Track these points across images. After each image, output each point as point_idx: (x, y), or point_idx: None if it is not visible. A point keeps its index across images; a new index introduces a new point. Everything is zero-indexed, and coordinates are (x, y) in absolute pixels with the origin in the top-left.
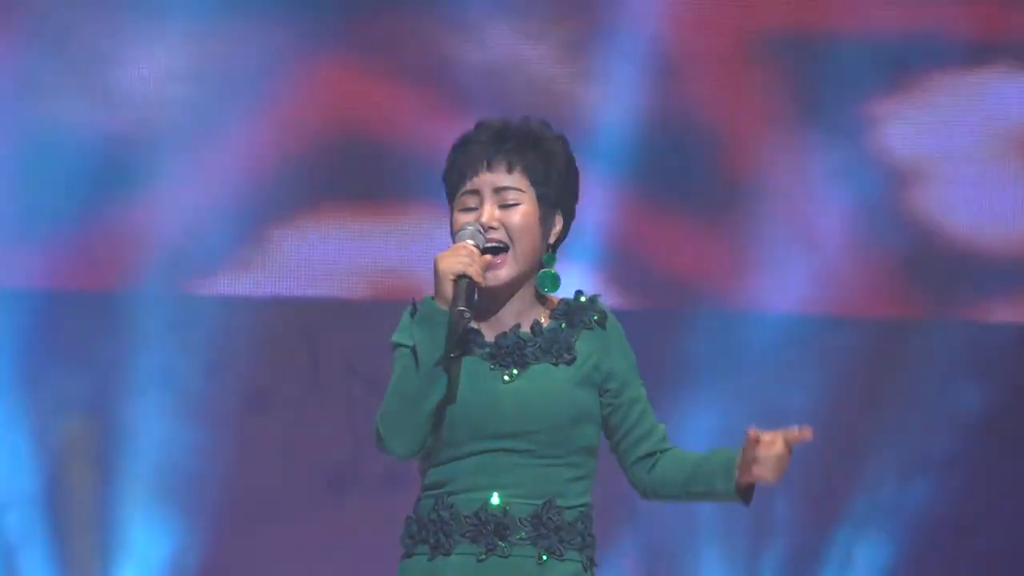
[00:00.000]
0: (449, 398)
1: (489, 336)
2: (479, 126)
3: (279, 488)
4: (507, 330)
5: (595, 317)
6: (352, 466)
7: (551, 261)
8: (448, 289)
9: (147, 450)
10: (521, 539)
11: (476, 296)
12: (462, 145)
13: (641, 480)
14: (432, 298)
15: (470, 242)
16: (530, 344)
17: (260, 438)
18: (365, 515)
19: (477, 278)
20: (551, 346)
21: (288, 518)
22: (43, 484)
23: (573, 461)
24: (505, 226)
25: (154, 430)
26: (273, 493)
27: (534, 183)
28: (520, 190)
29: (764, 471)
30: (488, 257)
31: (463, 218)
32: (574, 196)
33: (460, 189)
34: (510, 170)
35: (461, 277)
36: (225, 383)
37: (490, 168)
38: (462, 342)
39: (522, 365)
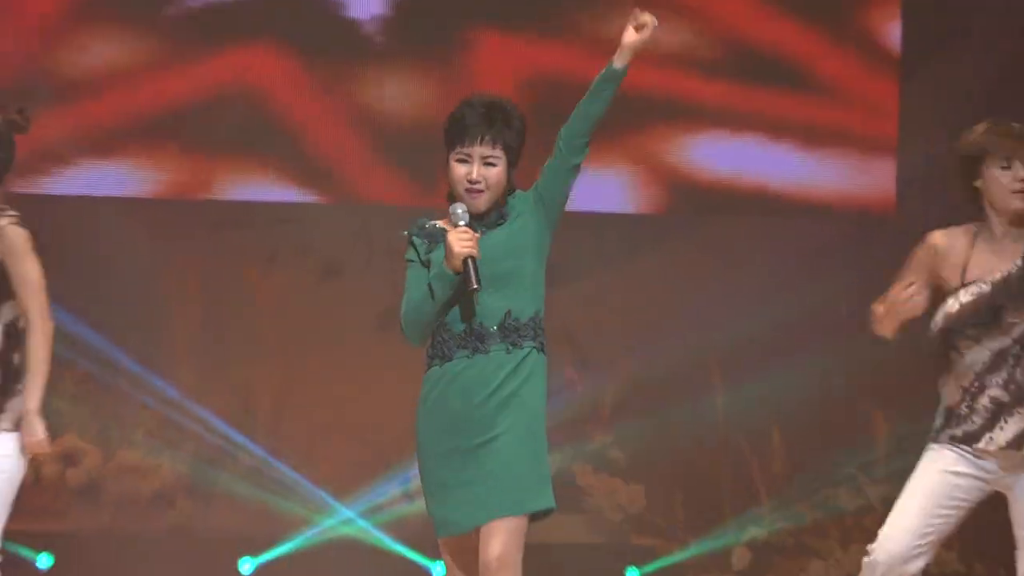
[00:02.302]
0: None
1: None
2: (471, 104)
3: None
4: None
5: (514, 191)
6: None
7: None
8: (459, 266)
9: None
10: (495, 340)
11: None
12: (463, 116)
13: (568, 141)
14: (443, 262)
15: (462, 223)
16: (487, 224)
17: (333, 295)
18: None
19: (477, 255)
20: (498, 221)
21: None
22: None
23: (524, 286)
24: (486, 179)
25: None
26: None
27: (507, 151)
28: (498, 156)
29: (633, 38)
30: (477, 235)
31: (459, 168)
32: (521, 153)
33: (458, 148)
34: (494, 145)
35: (468, 259)
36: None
37: (482, 143)
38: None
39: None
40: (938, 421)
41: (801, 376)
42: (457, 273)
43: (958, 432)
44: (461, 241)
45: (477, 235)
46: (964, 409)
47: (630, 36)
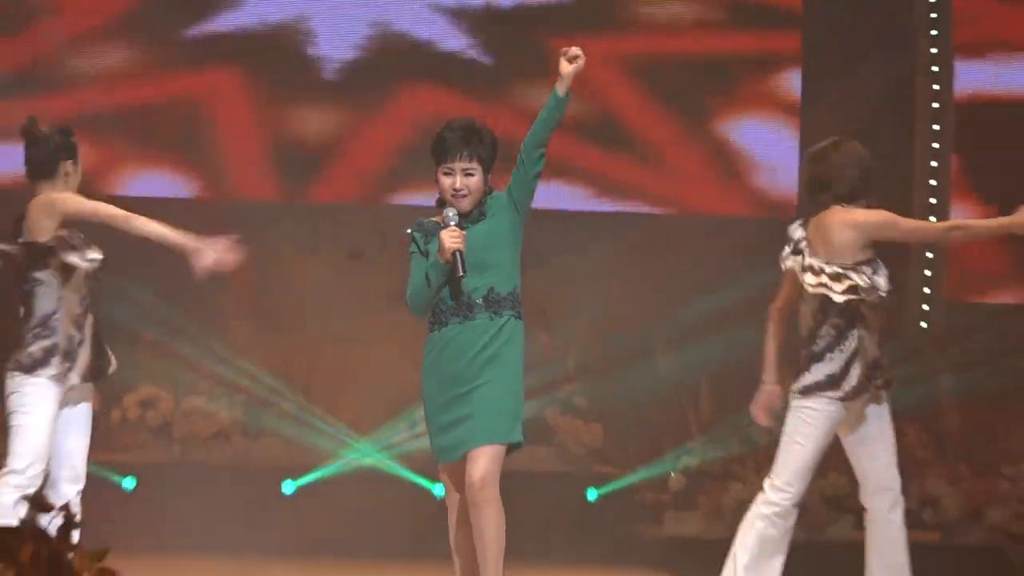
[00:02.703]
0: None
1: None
2: (451, 128)
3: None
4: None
5: (492, 192)
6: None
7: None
8: (450, 258)
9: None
10: (480, 310)
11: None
12: (444, 139)
13: (527, 154)
14: (437, 254)
15: (452, 223)
16: (472, 221)
17: (357, 277)
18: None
19: (463, 248)
20: (480, 218)
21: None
22: None
23: (504, 268)
24: (468, 186)
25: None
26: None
27: (482, 163)
28: (476, 168)
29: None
30: (464, 233)
31: (445, 180)
32: (495, 161)
33: (443, 164)
34: (471, 159)
35: (456, 251)
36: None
37: (461, 159)
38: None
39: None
40: (857, 374)
41: (725, 341)
42: (447, 263)
43: (880, 381)
44: (451, 238)
45: (464, 232)
46: (884, 360)
47: (565, 67)
